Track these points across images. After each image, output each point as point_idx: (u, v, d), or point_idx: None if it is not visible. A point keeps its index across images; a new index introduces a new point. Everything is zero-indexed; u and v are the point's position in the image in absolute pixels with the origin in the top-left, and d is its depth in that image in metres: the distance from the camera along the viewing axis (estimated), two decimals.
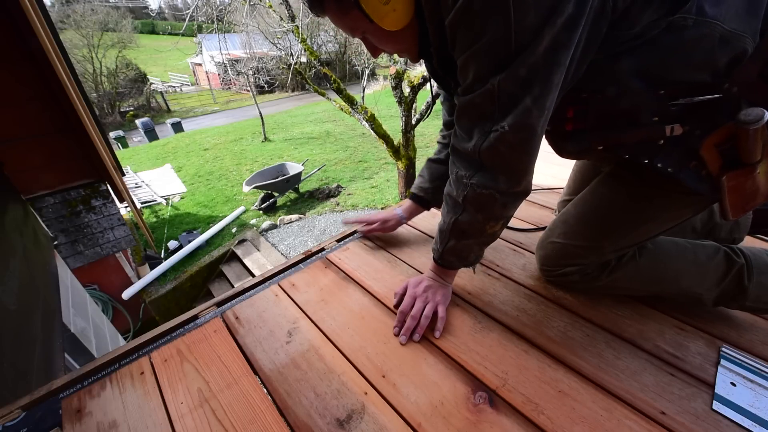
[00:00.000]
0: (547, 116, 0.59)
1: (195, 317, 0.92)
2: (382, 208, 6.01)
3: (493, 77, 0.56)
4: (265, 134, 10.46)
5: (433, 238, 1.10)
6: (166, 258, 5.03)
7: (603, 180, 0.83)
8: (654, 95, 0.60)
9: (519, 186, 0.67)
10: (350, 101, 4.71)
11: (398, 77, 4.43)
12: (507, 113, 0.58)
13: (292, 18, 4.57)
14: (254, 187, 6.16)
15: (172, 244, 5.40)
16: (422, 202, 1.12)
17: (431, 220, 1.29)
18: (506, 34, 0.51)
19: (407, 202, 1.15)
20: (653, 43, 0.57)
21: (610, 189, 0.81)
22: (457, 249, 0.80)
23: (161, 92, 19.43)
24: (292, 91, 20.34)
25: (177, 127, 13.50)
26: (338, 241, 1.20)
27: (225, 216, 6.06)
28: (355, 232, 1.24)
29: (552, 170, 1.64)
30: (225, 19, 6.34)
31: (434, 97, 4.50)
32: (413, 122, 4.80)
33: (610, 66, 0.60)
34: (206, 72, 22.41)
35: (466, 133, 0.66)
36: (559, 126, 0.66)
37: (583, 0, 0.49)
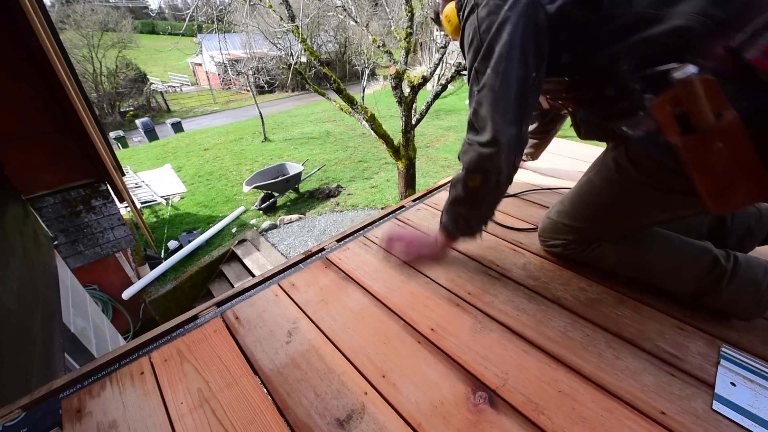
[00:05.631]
0: (505, 80, 0.72)
1: (195, 317, 0.92)
2: (381, 208, 6.00)
3: (473, 65, 0.77)
4: (265, 134, 10.45)
5: None
6: (166, 258, 5.02)
7: (595, 167, 0.92)
8: (625, 73, 0.68)
9: (489, 135, 0.76)
10: (350, 101, 4.71)
11: (398, 77, 4.42)
12: (479, 82, 0.76)
13: (292, 18, 4.57)
14: (254, 187, 6.15)
15: (172, 244, 5.40)
16: None
17: (431, 220, 1.30)
18: (479, 43, 0.74)
19: None
20: (598, 29, 0.68)
21: (596, 175, 0.90)
22: (450, 211, 0.92)
23: (161, 92, 19.40)
24: (292, 91, 20.33)
25: (177, 127, 13.48)
26: (338, 241, 1.20)
27: (225, 216, 6.05)
28: (355, 232, 1.24)
29: (550, 170, 1.64)
30: (225, 19, 6.33)
31: (434, 97, 4.51)
32: (413, 122, 4.80)
33: (592, 58, 0.71)
34: (206, 72, 22.38)
35: (470, 107, 0.83)
36: (566, 109, 0.88)
37: (514, 25, 0.69)
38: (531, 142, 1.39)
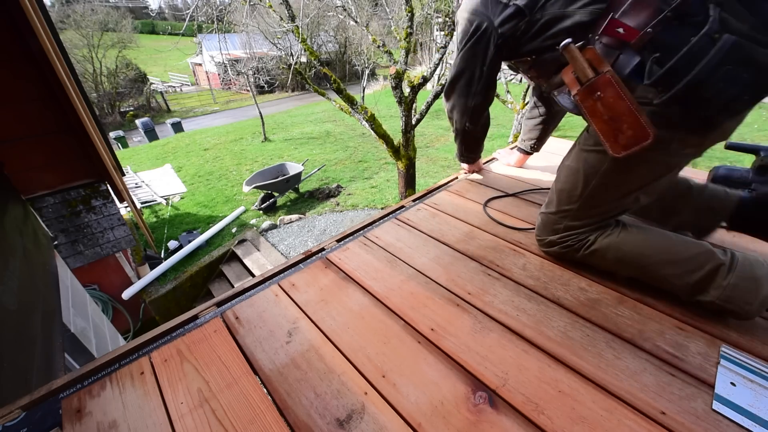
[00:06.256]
0: (456, 71, 1.13)
1: (195, 317, 0.92)
2: (381, 208, 6.00)
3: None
4: (265, 134, 10.45)
5: (433, 238, 1.20)
6: (166, 258, 5.02)
7: (567, 154, 1.05)
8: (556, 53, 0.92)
9: (444, 100, 1.26)
10: (350, 101, 4.70)
11: (398, 77, 4.42)
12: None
13: (292, 18, 4.56)
14: (254, 187, 6.15)
15: (172, 244, 5.39)
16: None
17: (431, 220, 1.30)
18: (458, 49, 1.09)
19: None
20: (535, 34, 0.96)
21: (568, 159, 1.02)
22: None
23: (161, 92, 19.37)
24: (292, 91, 20.32)
25: (177, 127, 13.47)
26: (338, 241, 1.20)
27: (225, 216, 6.05)
28: (355, 232, 1.25)
29: (551, 169, 1.64)
30: (225, 19, 6.33)
31: (434, 97, 4.51)
32: (413, 122, 4.80)
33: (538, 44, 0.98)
34: (206, 72, 22.37)
35: None
36: (536, 80, 1.13)
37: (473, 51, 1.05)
38: (534, 130, 1.54)
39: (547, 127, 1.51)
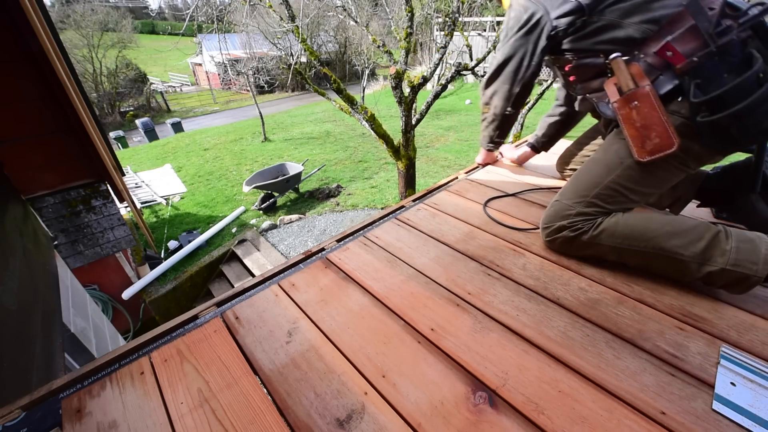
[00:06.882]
0: (500, 58, 1.17)
1: (195, 317, 0.92)
2: (381, 208, 6.00)
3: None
4: (265, 134, 10.44)
5: (433, 238, 1.20)
6: (166, 258, 5.02)
7: (598, 148, 1.10)
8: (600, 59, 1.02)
9: (483, 84, 1.28)
10: (350, 101, 4.69)
11: (398, 77, 4.41)
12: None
13: (292, 18, 4.56)
14: (254, 187, 6.14)
15: (172, 244, 5.39)
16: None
17: (431, 220, 1.30)
18: (505, 33, 1.14)
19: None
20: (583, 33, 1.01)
21: (596, 153, 1.08)
22: (481, 131, 1.46)
23: (161, 92, 19.35)
24: (292, 91, 20.31)
25: (177, 127, 13.46)
26: (338, 241, 1.20)
27: (225, 216, 6.05)
28: (355, 232, 1.25)
29: (551, 170, 1.64)
30: (225, 19, 6.32)
31: (434, 97, 4.51)
32: (413, 122, 4.79)
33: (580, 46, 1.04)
34: (206, 72, 22.36)
35: None
36: (568, 80, 1.17)
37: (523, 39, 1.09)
38: (550, 127, 1.57)
39: (562, 128, 1.53)
